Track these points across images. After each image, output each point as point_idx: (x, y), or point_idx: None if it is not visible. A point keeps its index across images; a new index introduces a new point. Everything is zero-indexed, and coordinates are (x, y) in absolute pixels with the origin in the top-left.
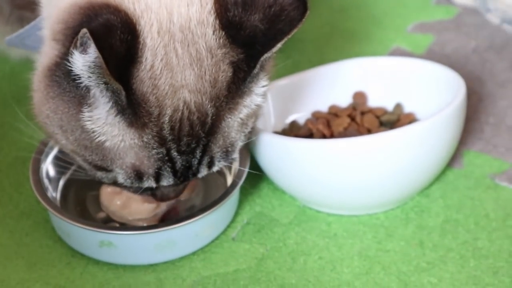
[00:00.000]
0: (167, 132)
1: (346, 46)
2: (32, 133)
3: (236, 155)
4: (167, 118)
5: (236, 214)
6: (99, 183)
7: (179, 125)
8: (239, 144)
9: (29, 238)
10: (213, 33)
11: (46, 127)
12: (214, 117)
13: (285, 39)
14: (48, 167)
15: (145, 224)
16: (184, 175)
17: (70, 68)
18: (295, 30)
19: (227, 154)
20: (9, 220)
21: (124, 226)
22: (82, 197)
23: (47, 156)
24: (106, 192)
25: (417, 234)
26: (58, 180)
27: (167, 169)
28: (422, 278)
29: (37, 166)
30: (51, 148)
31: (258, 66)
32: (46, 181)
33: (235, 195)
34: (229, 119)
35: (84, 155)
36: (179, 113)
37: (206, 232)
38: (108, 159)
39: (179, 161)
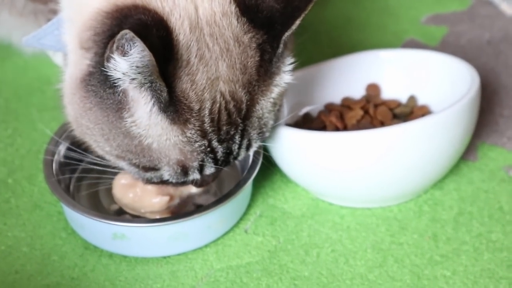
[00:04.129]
0: (208, 125)
1: (359, 38)
2: (45, 126)
3: (268, 133)
4: (207, 111)
5: (249, 206)
6: (111, 175)
7: (218, 116)
8: (271, 122)
9: (42, 230)
10: (237, 22)
11: (87, 138)
12: (248, 102)
13: (303, 15)
14: (61, 159)
15: (158, 217)
16: (225, 161)
17: (107, 74)
18: (311, 5)
19: (262, 134)
20: (23, 212)
21: (137, 219)
22: (95, 189)
23: (60, 148)
24: (119, 184)
25: (430, 227)
26: (71, 172)
27: (209, 159)
28: (436, 271)
29: (50, 158)
30: (64, 140)
31: (281, 45)
32: (59, 173)
33: (248, 187)
34: (263, 101)
35: (131, 159)
36: (217, 105)
37: (219, 225)
38: (155, 158)
39: (220, 150)
